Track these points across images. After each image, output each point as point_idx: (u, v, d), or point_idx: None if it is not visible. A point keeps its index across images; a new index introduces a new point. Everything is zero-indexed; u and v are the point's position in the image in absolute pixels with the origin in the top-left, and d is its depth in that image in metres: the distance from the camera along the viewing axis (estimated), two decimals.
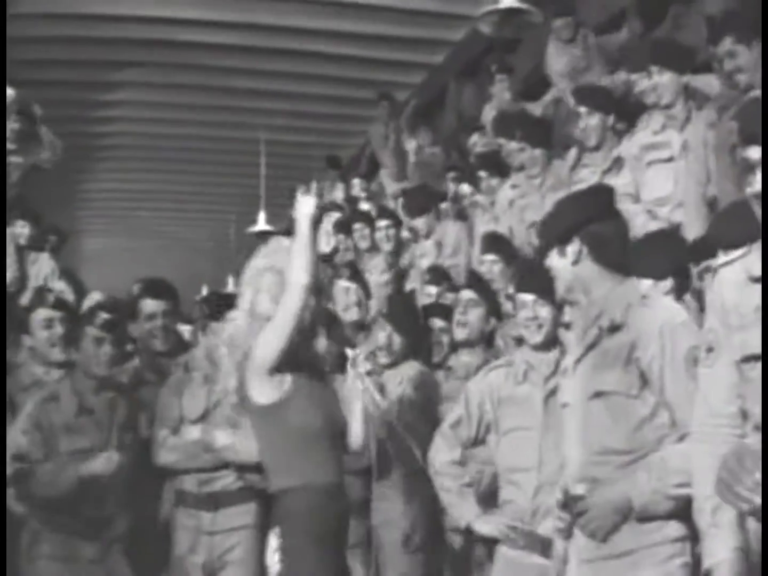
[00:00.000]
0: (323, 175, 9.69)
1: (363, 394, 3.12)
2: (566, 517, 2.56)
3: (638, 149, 4.22)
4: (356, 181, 8.71)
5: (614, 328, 2.51)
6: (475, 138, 6.86)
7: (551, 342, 3.27)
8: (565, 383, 2.68)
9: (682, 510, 2.36)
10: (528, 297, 3.29)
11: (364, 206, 7.91)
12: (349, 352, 3.19)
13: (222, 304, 4.10)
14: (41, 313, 4.35)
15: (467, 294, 4.20)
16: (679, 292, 3.26)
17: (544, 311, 3.25)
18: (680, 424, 2.40)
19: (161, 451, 3.80)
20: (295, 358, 2.99)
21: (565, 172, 5.11)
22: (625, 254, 2.65)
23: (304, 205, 2.98)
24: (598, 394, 2.50)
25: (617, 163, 4.39)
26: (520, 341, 3.48)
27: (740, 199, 2.56)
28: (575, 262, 2.57)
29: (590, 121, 4.70)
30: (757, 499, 1.81)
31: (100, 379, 3.83)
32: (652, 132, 4.22)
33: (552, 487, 2.88)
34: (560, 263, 2.60)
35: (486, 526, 3.26)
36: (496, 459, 3.36)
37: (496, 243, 4.90)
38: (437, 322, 4.41)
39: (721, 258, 2.27)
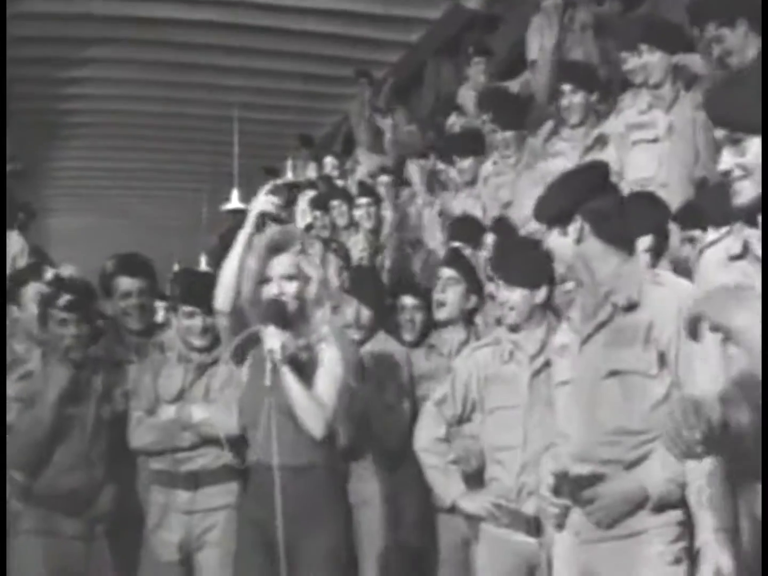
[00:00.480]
0: (296, 154, 9.67)
1: (271, 375, 2.89)
2: (560, 503, 2.55)
3: (624, 127, 4.20)
4: (328, 160, 8.64)
5: (630, 307, 2.49)
6: (453, 119, 6.81)
7: (527, 322, 3.25)
8: (564, 362, 2.65)
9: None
10: (499, 281, 3.28)
11: (339, 184, 7.88)
12: (260, 327, 2.99)
13: (193, 281, 4.05)
14: (36, 287, 4.28)
15: (447, 272, 4.15)
16: (657, 252, 3.29)
17: (515, 295, 3.23)
18: None
19: (136, 432, 3.75)
20: (246, 351, 3.10)
21: (539, 145, 5.07)
22: (626, 228, 2.64)
23: (258, 201, 3.04)
24: (613, 373, 2.48)
25: (600, 141, 4.37)
26: (500, 321, 3.48)
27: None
28: (578, 240, 2.54)
29: (574, 99, 4.66)
30: (698, 452, 1.85)
31: (71, 359, 3.78)
32: (638, 111, 4.18)
33: (536, 466, 2.88)
34: (561, 242, 2.57)
35: (471, 503, 3.27)
36: (481, 437, 3.35)
37: (464, 229, 4.82)
38: (407, 300, 4.28)
39: (708, 237, 2.27)
